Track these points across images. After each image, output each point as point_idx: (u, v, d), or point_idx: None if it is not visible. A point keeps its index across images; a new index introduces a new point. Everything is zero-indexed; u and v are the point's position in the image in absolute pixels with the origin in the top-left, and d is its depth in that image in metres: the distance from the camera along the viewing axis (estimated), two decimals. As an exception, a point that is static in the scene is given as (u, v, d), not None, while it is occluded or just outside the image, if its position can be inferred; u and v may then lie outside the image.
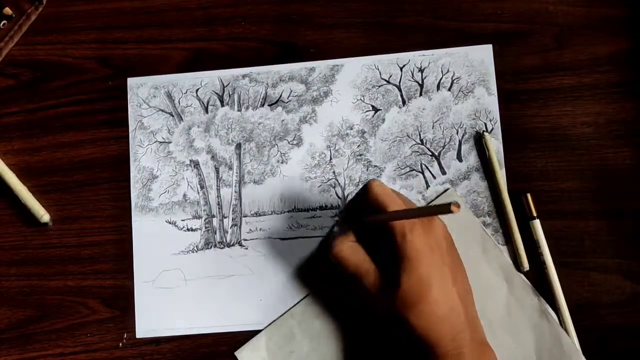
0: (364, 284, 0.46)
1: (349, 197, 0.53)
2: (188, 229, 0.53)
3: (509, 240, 0.51)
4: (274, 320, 0.51)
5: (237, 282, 0.52)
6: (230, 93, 0.55)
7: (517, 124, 0.53)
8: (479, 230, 0.51)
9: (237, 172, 0.54)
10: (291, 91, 0.54)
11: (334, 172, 0.53)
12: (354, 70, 0.54)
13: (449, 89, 0.54)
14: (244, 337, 0.52)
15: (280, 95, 0.54)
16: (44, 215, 0.53)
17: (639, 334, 0.50)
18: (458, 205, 0.35)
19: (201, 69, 0.55)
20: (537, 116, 0.53)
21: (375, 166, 0.53)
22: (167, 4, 0.56)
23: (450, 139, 0.53)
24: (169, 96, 0.55)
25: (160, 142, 0.55)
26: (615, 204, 0.51)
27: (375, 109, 0.54)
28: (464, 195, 0.52)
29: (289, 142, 0.54)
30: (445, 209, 0.35)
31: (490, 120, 0.53)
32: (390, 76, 0.54)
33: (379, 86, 0.54)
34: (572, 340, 0.49)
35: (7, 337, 0.53)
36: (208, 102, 0.55)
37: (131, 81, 0.55)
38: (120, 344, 0.52)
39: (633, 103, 0.52)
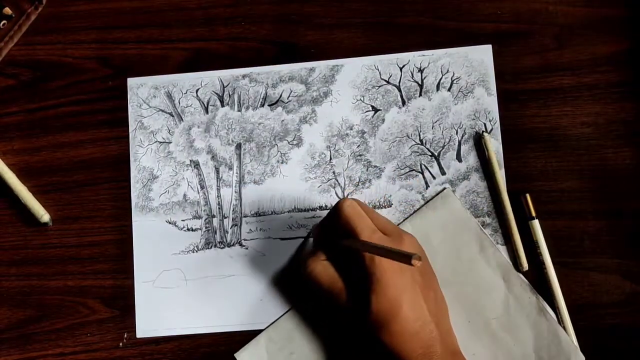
0: (336, 303, 0.46)
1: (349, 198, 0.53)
2: (188, 229, 0.53)
3: (508, 241, 0.51)
4: (274, 322, 0.51)
5: (237, 282, 0.52)
6: (230, 93, 0.55)
7: (516, 124, 0.53)
8: (476, 230, 0.51)
9: (237, 172, 0.54)
10: (291, 91, 0.54)
11: (333, 172, 0.53)
12: (354, 71, 0.54)
13: (449, 89, 0.54)
14: (243, 337, 0.52)
15: (280, 96, 0.54)
16: (44, 215, 0.53)
17: (638, 333, 0.50)
18: (419, 259, 0.37)
19: (201, 69, 0.55)
20: (537, 116, 0.53)
21: (375, 166, 0.53)
22: (167, 4, 0.56)
23: (449, 139, 0.53)
24: (169, 96, 0.55)
25: (161, 142, 0.55)
26: (615, 204, 0.51)
27: (375, 109, 0.54)
28: (464, 195, 0.52)
29: (289, 142, 0.54)
30: (406, 259, 0.37)
31: (490, 121, 0.53)
32: (390, 76, 0.54)
33: (379, 86, 0.54)
34: (570, 337, 0.49)
35: (7, 337, 0.53)
36: (208, 102, 0.55)
37: (131, 81, 0.55)
38: (120, 344, 0.52)
39: (633, 103, 0.52)
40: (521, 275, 0.51)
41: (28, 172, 0.55)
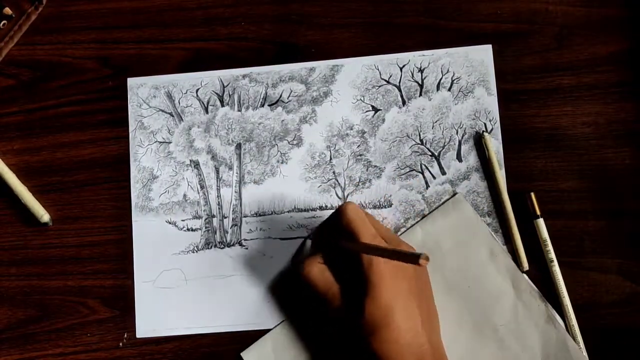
0: (331, 306, 0.46)
1: (349, 198, 0.53)
2: (188, 229, 0.53)
3: (508, 241, 0.51)
4: (279, 323, 0.51)
5: (237, 282, 0.52)
6: (230, 93, 0.55)
7: (516, 124, 0.53)
8: (487, 235, 0.51)
9: (237, 172, 0.54)
10: (291, 91, 0.54)
11: (334, 172, 0.53)
12: (354, 71, 0.54)
13: (449, 89, 0.54)
14: (244, 337, 0.52)
15: (280, 96, 0.54)
16: (44, 215, 0.53)
17: (639, 334, 0.50)
18: (427, 259, 0.35)
19: (201, 69, 0.55)
20: (537, 116, 0.53)
21: (375, 166, 0.53)
22: (167, 4, 0.56)
23: (450, 139, 0.53)
24: (169, 96, 0.55)
25: (161, 142, 0.55)
26: (615, 204, 0.51)
27: (375, 109, 0.54)
28: (464, 195, 0.52)
29: (289, 142, 0.54)
30: (414, 259, 0.35)
31: (490, 121, 0.53)
32: (390, 76, 0.54)
33: (379, 86, 0.54)
34: (579, 345, 0.49)
35: (7, 337, 0.53)
36: (208, 102, 0.55)
37: (131, 81, 0.55)
38: (120, 344, 0.52)
39: (633, 103, 0.52)
40: (530, 282, 0.50)
41: (28, 172, 0.55)
